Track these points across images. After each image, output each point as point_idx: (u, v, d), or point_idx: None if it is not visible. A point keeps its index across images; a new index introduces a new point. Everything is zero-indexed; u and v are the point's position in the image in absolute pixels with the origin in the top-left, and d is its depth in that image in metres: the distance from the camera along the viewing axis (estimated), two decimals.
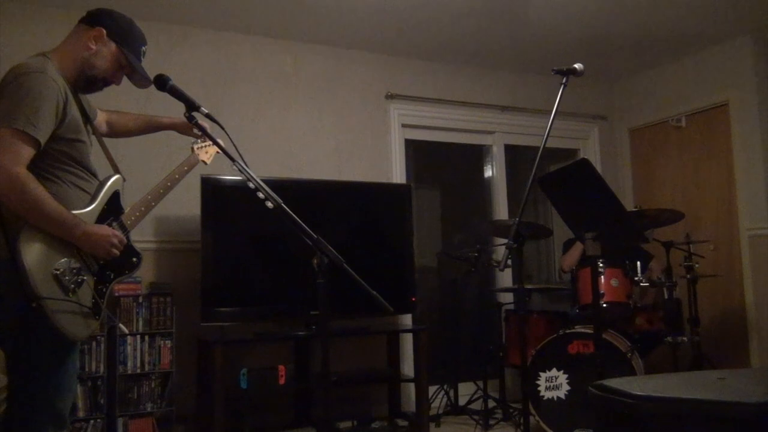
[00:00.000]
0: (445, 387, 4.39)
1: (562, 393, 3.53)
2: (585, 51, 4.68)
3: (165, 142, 3.28)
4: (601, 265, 3.73)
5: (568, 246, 4.51)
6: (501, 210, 5.09)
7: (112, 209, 2.03)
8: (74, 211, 1.87)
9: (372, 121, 4.63)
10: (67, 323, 1.80)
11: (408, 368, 4.26)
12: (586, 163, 2.64)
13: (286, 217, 1.81)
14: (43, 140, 1.81)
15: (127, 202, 2.12)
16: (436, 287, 5.07)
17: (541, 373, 3.60)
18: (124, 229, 2.05)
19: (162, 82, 1.94)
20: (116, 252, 1.95)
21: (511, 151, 5.20)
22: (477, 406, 4.26)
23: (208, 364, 3.55)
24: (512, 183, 5.15)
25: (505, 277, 4.96)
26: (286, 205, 1.83)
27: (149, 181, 2.27)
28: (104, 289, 1.97)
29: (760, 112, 4.48)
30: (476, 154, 5.24)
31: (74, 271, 1.84)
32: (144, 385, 3.53)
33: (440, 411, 4.30)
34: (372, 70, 4.67)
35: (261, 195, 1.83)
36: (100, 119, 2.26)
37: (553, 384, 3.55)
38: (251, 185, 1.85)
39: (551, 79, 2.56)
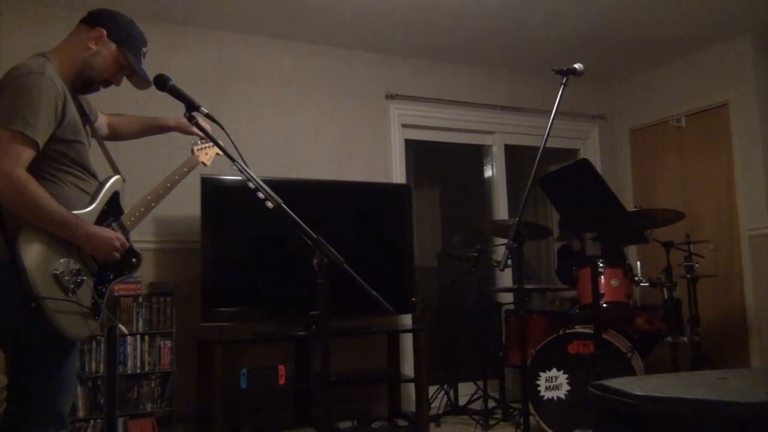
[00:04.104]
0: (445, 387, 4.39)
1: (562, 393, 3.53)
2: (585, 51, 4.68)
3: (165, 143, 3.26)
4: (601, 265, 3.73)
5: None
6: (501, 210, 5.09)
7: (112, 210, 2.03)
8: (74, 212, 1.87)
9: (372, 121, 4.63)
10: (67, 323, 1.79)
11: (408, 368, 4.26)
12: (586, 163, 2.65)
13: (286, 217, 1.81)
14: (42, 142, 1.80)
15: (127, 203, 2.12)
16: (436, 287, 5.07)
17: (541, 373, 3.60)
18: (124, 230, 2.04)
19: (162, 82, 1.93)
20: (117, 255, 1.95)
21: (511, 151, 5.20)
22: (477, 406, 4.27)
23: (208, 364, 3.55)
24: (512, 183, 5.15)
25: (505, 277, 4.96)
26: (286, 205, 1.83)
27: (149, 181, 2.27)
28: (104, 290, 1.97)
29: (760, 112, 4.48)
30: (476, 154, 5.24)
31: (74, 271, 1.84)
32: (144, 385, 3.53)
33: (440, 411, 4.30)
34: (372, 70, 4.67)
35: (261, 195, 1.83)
36: (102, 122, 2.25)
37: (553, 384, 3.55)
38: (251, 185, 1.85)
39: (551, 79, 2.55)
